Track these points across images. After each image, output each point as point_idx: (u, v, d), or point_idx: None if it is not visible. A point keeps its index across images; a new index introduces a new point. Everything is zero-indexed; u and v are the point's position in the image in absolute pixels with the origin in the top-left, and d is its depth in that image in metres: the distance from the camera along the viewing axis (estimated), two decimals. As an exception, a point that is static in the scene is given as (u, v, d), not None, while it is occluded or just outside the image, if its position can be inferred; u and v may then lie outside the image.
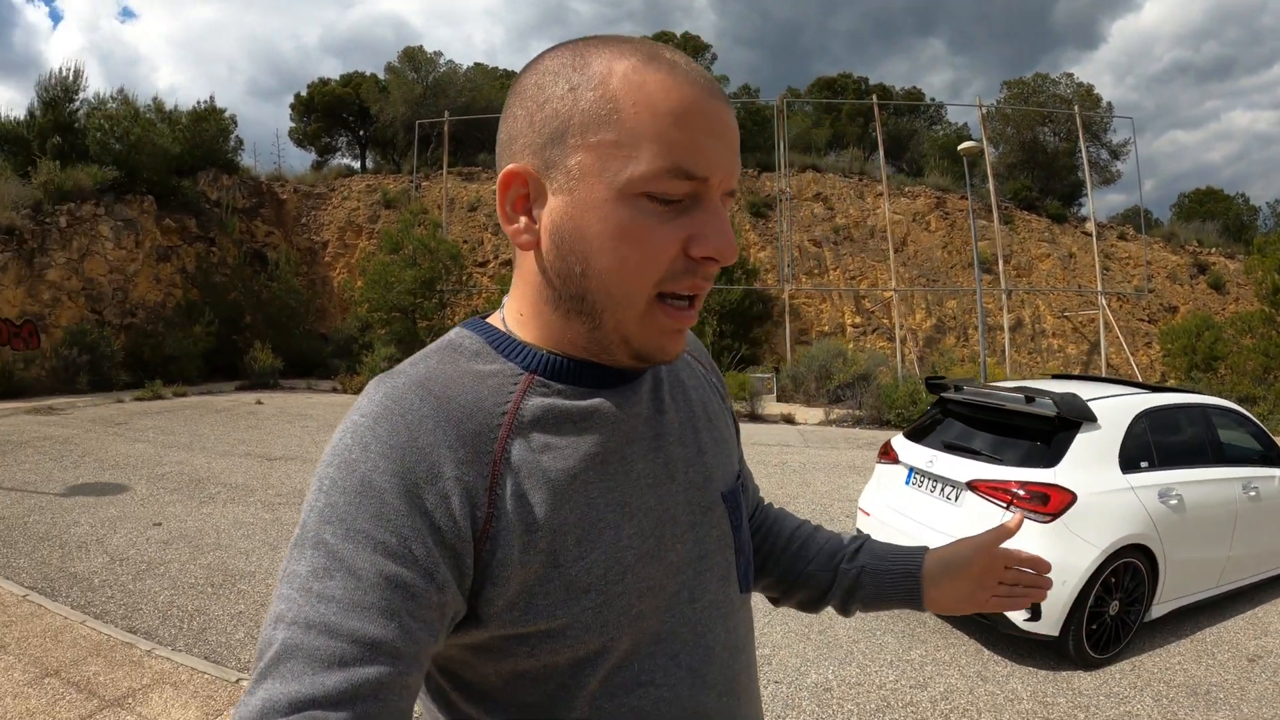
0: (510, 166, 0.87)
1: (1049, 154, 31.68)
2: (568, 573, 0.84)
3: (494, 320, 0.97)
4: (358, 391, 22.23)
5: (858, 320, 26.77)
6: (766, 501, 1.42)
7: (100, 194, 24.22)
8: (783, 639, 5.47)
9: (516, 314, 0.95)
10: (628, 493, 0.91)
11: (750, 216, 28.61)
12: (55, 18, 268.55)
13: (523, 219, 0.88)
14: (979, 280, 20.07)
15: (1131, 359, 24.63)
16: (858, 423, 17.15)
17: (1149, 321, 26.18)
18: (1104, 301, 25.24)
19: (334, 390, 23.67)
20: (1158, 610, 5.35)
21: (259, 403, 20.22)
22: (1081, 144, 27.92)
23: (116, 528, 7.96)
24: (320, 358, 27.36)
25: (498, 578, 0.81)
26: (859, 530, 6.36)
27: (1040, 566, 1.30)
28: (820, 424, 17.47)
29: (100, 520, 8.22)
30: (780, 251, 27.19)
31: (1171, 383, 22.09)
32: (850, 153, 30.47)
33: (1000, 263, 25.36)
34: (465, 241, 29.38)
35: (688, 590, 0.96)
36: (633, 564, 0.89)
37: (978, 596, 1.27)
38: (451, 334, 0.96)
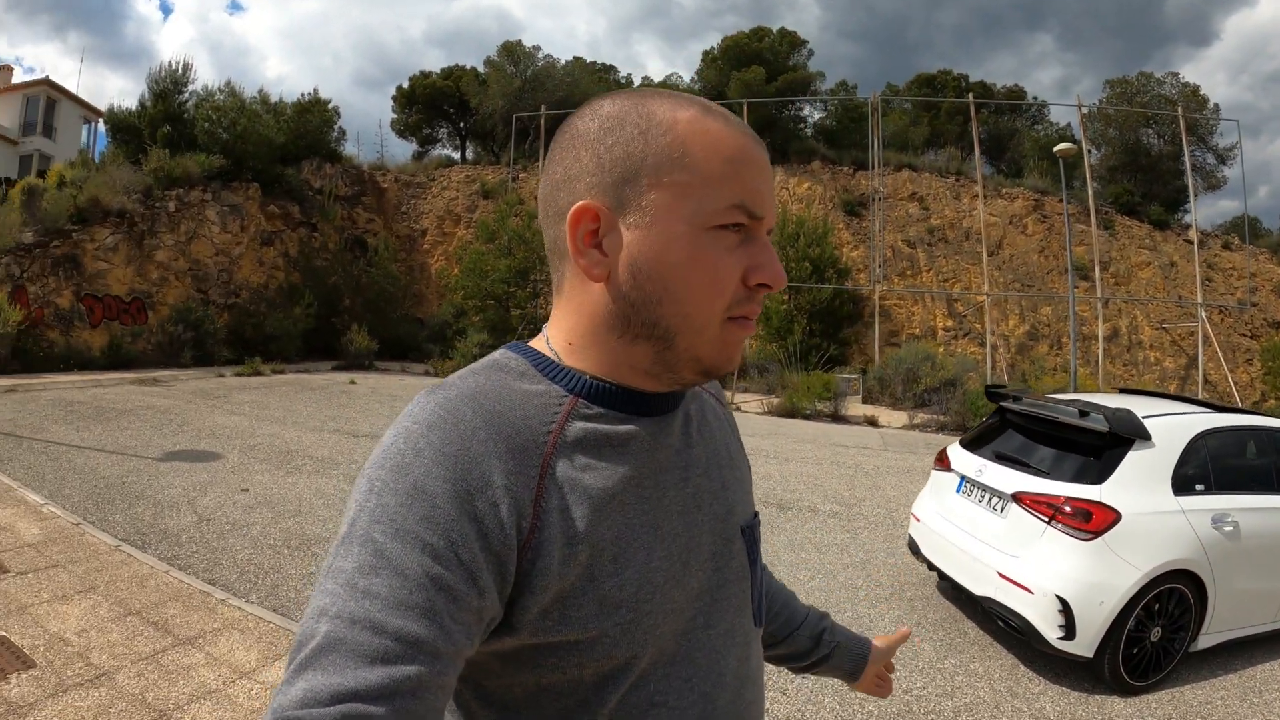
0: (582, 202, 0.92)
1: (1152, 157, 30.01)
2: (602, 587, 0.88)
3: (537, 345, 1.01)
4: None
5: (949, 324, 26.12)
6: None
7: (207, 181, 25.40)
8: None
9: (565, 342, 0.98)
10: (659, 518, 0.96)
11: (844, 215, 28.18)
12: (165, 10, 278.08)
13: (594, 252, 0.93)
14: (1072, 287, 19.49)
15: (1230, 376, 23.45)
16: (941, 429, 16.88)
17: (1251, 337, 24.84)
18: (1204, 314, 24.01)
19: (426, 374, 24.29)
20: (1205, 641, 5.09)
21: (352, 382, 20.91)
22: (1185, 147, 26.32)
23: (207, 491, 8.46)
24: (415, 342, 28.14)
25: (536, 587, 0.84)
26: (911, 537, 6.38)
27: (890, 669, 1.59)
28: (903, 428, 17.26)
29: (192, 484, 8.74)
30: (872, 251, 26.79)
31: (1271, 403, 21.28)
32: (948, 152, 29.56)
33: (1097, 269, 24.42)
34: (562, 234, 29.80)
35: (704, 616, 1.01)
36: (661, 585, 0.93)
37: (870, 681, 1.53)
38: (496, 354, 1.00)
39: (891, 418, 18.44)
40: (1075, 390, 17.58)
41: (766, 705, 4.50)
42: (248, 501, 8.15)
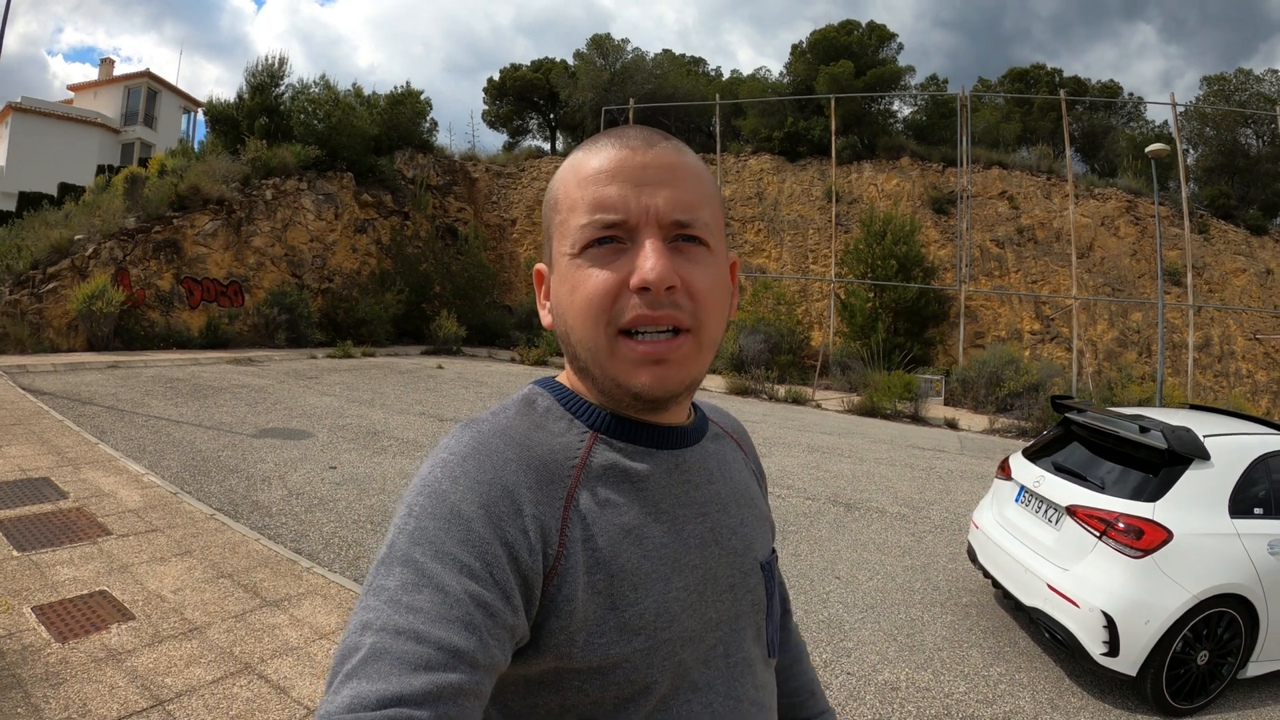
0: (537, 266, 1.10)
1: (1250, 158, 28.20)
2: (622, 615, 0.92)
3: (562, 379, 1.09)
4: (536, 363, 23.53)
5: (1036, 327, 25.39)
6: (794, 617, 1.53)
7: (303, 170, 26.26)
8: (870, 636, 5.56)
9: (570, 378, 1.08)
10: (678, 550, 1.00)
11: (932, 212, 27.68)
12: (259, 1, 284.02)
13: (546, 304, 1.06)
14: (1161, 293, 18.88)
15: (1326, 391, 22.50)
16: (1021, 434, 16.50)
17: (1351, 352, 23.72)
18: (1300, 326, 23.09)
19: (513, 360, 24.72)
20: (1255, 669, 4.95)
21: (440, 367, 21.40)
22: None
23: (297, 467, 8.85)
24: (503, 329, 28.63)
25: (561, 611, 0.88)
26: (970, 544, 6.38)
27: None
28: (983, 432, 17.01)
29: (283, 460, 9.15)
30: (960, 250, 26.40)
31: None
32: (1039, 149, 28.73)
33: (1190, 275, 23.37)
34: (649, 225, 29.90)
35: (723, 645, 1.04)
36: (679, 614, 0.97)
37: None
38: (526, 391, 1.07)
39: (972, 421, 18.18)
40: (1161, 402, 17.14)
41: None
42: (335, 478, 8.51)
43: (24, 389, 12.75)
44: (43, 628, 4.52)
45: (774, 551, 1.24)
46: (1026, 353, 23.79)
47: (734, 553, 1.09)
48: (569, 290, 0.97)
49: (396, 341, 26.99)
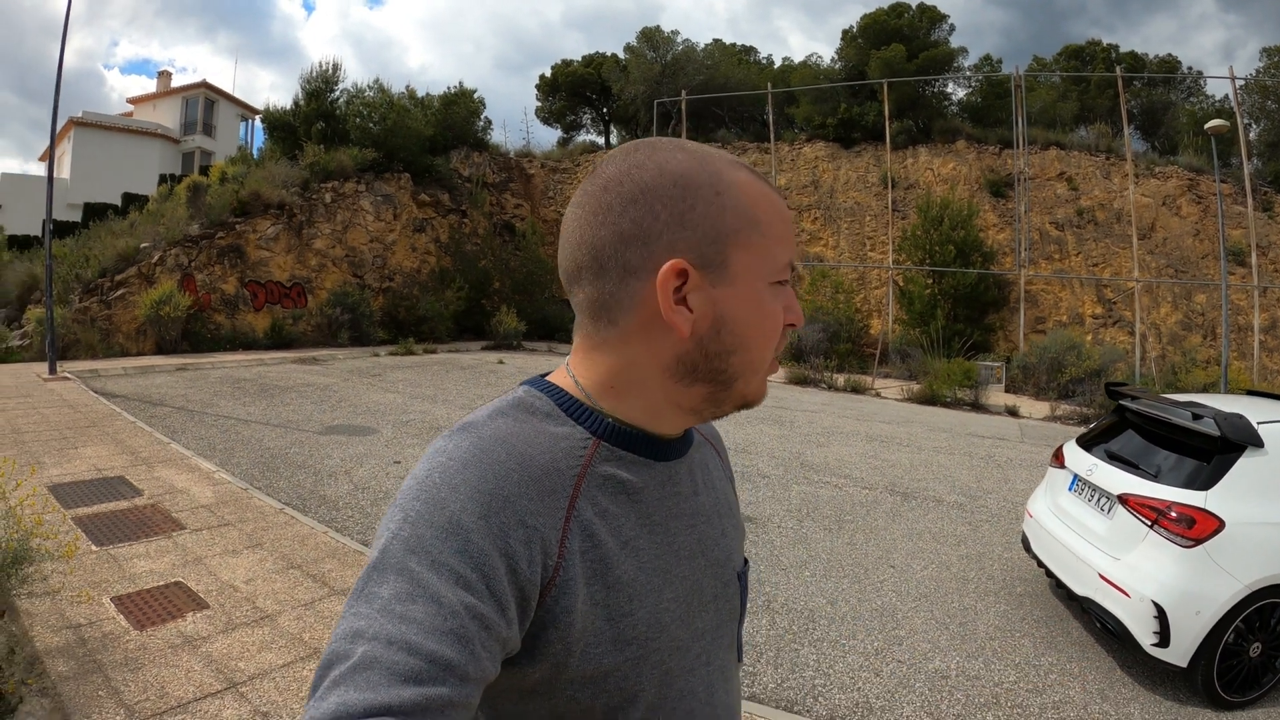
0: (673, 261, 0.94)
1: None
2: (618, 626, 0.94)
3: (560, 381, 1.06)
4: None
5: (1098, 311, 24.84)
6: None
7: (360, 173, 26.74)
8: (922, 625, 5.56)
9: (606, 384, 1.02)
10: (670, 561, 1.02)
11: (990, 196, 27.22)
12: (308, 8, 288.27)
13: (682, 309, 0.96)
14: (1225, 273, 18.35)
15: (1399, 370, 21.61)
16: (1083, 421, 16.11)
17: None
18: (1372, 303, 22.10)
19: (574, 353, 24.81)
20: None
21: (500, 362, 21.71)
22: None
23: (362, 462, 9.06)
24: (562, 322, 28.83)
25: (560, 623, 0.88)
26: (1024, 533, 6.35)
27: None
28: (1044, 419, 16.76)
29: (349, 456, 9.36)
30: (1018, 234, 25.95)
31: None
32: (1097, 128, 28.00)
33: (1254, 254, 22.55)
34: (704, 215, 29.87)
35: (706, 654, 1.07)
36: (669, 624, 1.00)
37: None
38: (520, 393, 1.04)
39: (1033, 408, 17.93)
40: (1226, 387, 16.74)
41: (863, 686, 4.69)
42: (399, 473, 8.72)
43: (96, 392, 13.18)
44: (121, 616, 4.71)
45: (746, 561, 1.26)
46: (1088, 337, 23.28)
47: (717, 563, 1.12)
48: (759, 313, 0.99)
49: (457, 338, 27.35)
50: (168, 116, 42.51)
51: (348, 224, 26.05)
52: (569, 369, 1.06)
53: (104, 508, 6.89)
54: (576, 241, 1.00)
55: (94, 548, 5.89)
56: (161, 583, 5.30)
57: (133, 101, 45.58)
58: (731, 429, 12.43)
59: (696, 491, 1.11)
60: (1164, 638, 4.53)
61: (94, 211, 27.25)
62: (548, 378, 1.08)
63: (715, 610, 1.10)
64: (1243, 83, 26.36)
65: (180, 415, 11.50)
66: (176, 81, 45.85)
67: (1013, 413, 17.22)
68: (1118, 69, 27.49)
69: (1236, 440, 4.82)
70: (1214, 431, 4.89)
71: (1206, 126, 17.71)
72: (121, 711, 3.72)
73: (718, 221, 0.97)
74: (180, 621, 4.71)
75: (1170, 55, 35.57)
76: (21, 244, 25.29)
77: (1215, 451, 4.91)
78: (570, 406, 1.01)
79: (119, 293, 19.41)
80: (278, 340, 22.32)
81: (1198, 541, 4.56)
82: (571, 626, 0.89)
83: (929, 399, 18.11)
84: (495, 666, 0.81)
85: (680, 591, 1.03)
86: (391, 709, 0.70)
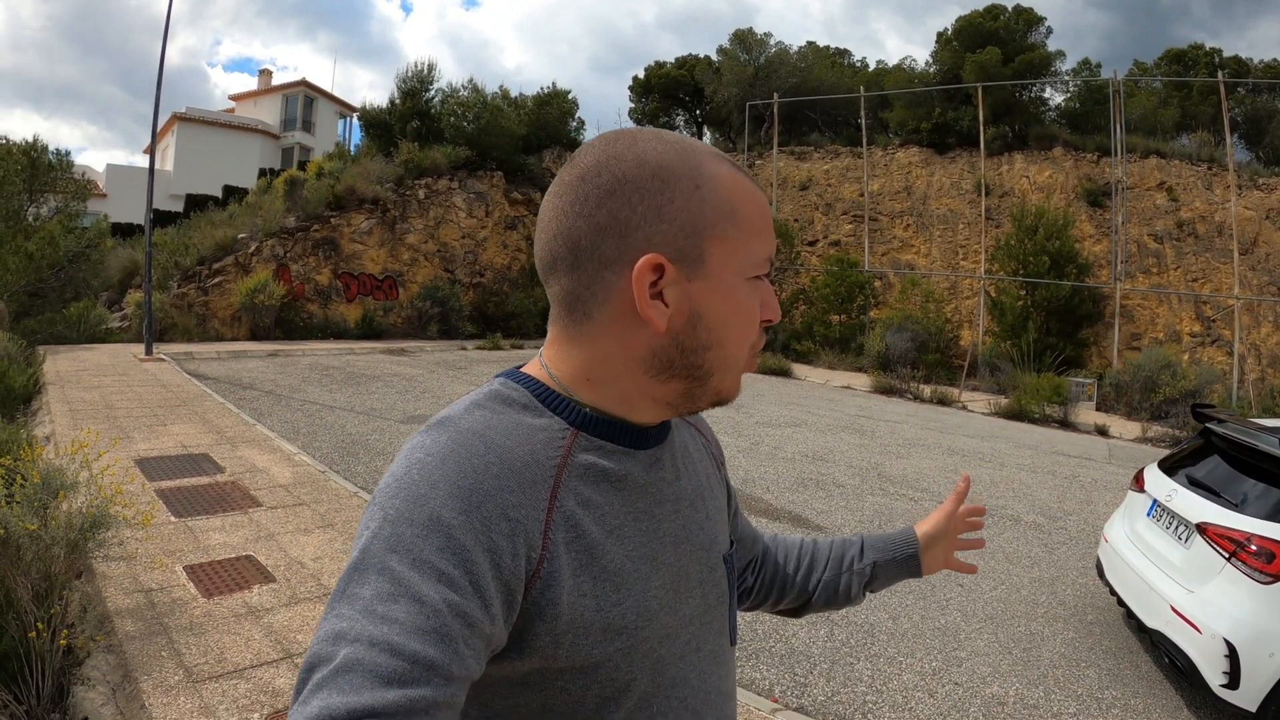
0: (650, 255, 0.93)
1: None
2: (607, 615, 0.93)
3: (533, 373, 1.04)
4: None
5: (1196, 328, 23.78)
6: (767, 536, 1.55)
7: (454, 170, 27.21)
8: (984, 647, 5.39)
9: (582, 377, 1.00)
10: (655, 548, 1.01)
11: (1086, 205, 26.34)
12: (406, 9, 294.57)
13: (658, 303, 0.95)
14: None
15: None
16: (1175, 443, 15.29)
17: None
18: None
19: (655, 346, 24.97)
20: None
21: (583, 356, 21.64)
22: None
23: (438, 453, 9.12)
24: (646, 318, 28.94)
25: (547, 615, 0.88)
26: (1099, 559, 6.11)
27: (978, 510, 1.57)
28: (1134, 440, 16.19)
29: (426, 445, 9.43)
30: (1115, 246, 25.18)
31: None
32: (1199, 136, 26.99)
33: None
34: (795, 220, 29.69)
35: (695, 640, 1.06)
36: (657, 612, 0.99)
37: (948, 555, 1.54)
38: (496, 385, 1.02)
39: (1124, 428, 17.36)
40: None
41: (915, 706, 4.65)
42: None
43: (189, 374, 13.66)
44: (191, 584, 4.87)
45: (733, 543, 1.25)
46: (1185, 356, 22.29)
47: (702, 548, 1.10)
48: (734, 309, 0.98)
49: (544, 334, 27.37)
50: (268, 113, 43.87)
51: (440, 220, 26.54)
52: (543, 361, 1.04)
53: (186, 482, 7.11)
54: (553, 232, 0.98)
55: (172, 519, 6.10)
56: (233, 555, 5.47)
57: (234, 98, 47.24)
58: (812, 436, 12.35)
59: (679, 476, 1.10)
60: (1234, 679, 4.27)
61: (195, 203, 28.23)
62: (522, 369, 1.06)
63: (702, 595, 1.09)
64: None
65: (268, 399, 11.83)
66: (277, 80, 47.42)
67: (1102, 432, 16.70)
68: (1221, 74, 26.48)
69: None
70: None
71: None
72: (181, 672, 3.85)
73: (696, 215, 0.96)
74: (246, 593, 4.84)
75: (1277, 60, 34.04)
76: (125, 231, 26.25)
77: None
78: (547, 397, 1.00)
79: (216, 280, 20.17)
80: (368, 331, 22.84)
81: (1277, 578, 4.31)
82: (558, 618, 0.88)
83: (1016, 414, 17.66)
84: (480, 664, 0.81)
85: (667, 578, 1.02)
86: (375, 712, 0.69)
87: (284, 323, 20.97)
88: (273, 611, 4.59)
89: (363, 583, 0.78)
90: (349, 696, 0.69)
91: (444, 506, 0.82)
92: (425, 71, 29.27)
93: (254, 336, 20.08)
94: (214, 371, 14.42)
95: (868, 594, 1.51)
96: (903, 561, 1.49)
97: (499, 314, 26.79)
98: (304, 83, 44.60)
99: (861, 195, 29.70)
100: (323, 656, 0.73)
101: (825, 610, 1.52)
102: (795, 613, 1.53)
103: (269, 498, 6.89)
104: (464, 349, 22.23)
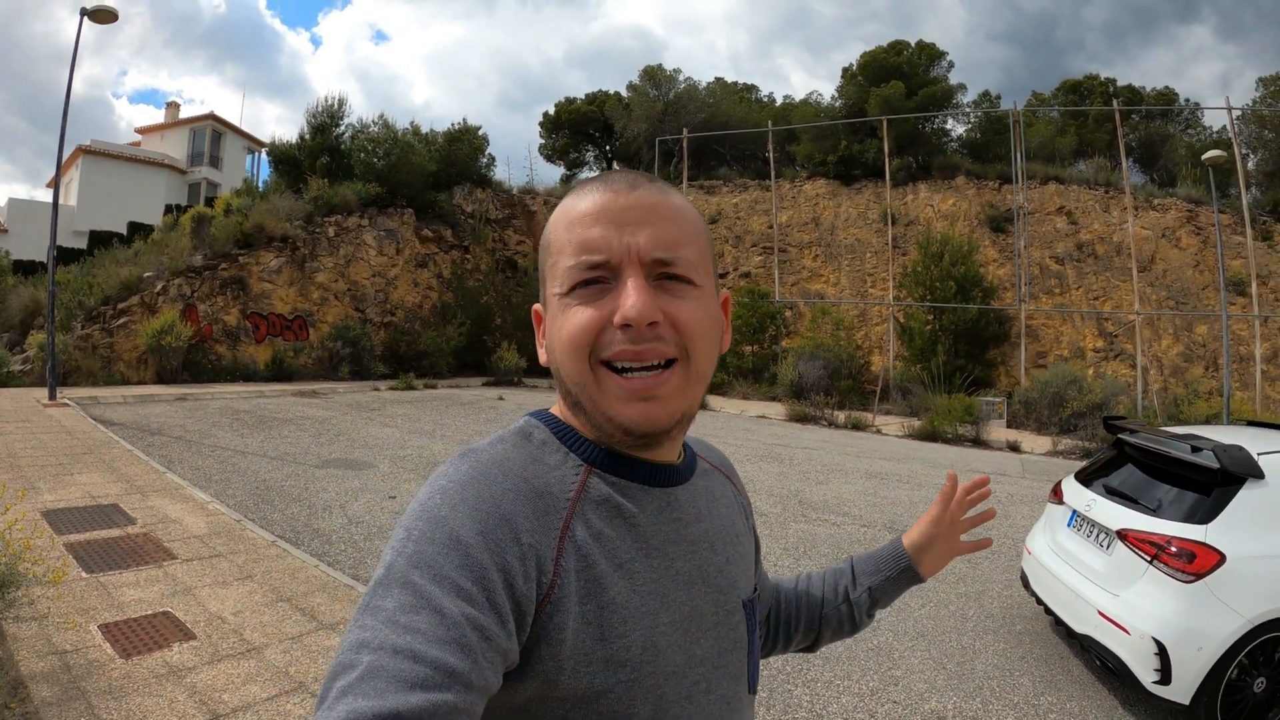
0: (534, 307, 1.13)
1: None
2: (610, 647, 0.93)
3: (556, 413, 1.10)
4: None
5: (1099, 344, 24.92)
6: (773, 579, 1.57)
7: (364, 207, 27.02)
8: (919, 665, 5.45)
9: (563, 411, 1.09)
10: (667, 586, 1.02)
11: (989, 231, 27.42)
12: (316, 42, 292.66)
13: (543, 343, 1.09)
14: (1225, 304, 18.49)
15: (1401, 397, 21.53)
16: (1085, 455, 15.95)
17: None
18: (1376, 332, 22.10)
19: (574, 390, 24.86)
20: None
21: (500, 398, 21.68)
22: None
23: (357, 497, 9.03)
24: (565, 360, 28.81)
25: (553, 639, 0.90)
26: (1023, 570, 6.29)
27: (980, 482, 1.57)
28: (1046, 454, 16.74)
29: (344, 490, 9.33)
30: (1018, 269, 26.02)
31: None
32: (1096, 162, 28.20)
33: (1254, 284, 22.70)
34: (705, 252, 29.97)
35: (705, 682, 1.05)
36: (664, 649, 0.99)
37: (951, 549, 1.54)
38: (523, 423, 1.09)
39: (1035, 443, 17.92)
40: (1229, 418, 16.71)
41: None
42: (394, 508, 8.67)
43: (95, 419, 13.19)
44: (108, 644, 4.69)
45: (756, 589, 1.26)
46: (1090, 371, 23.29)
47: (719, 590, 1.11)
48: (558, 328, 1.01)
49: (458, 373, 27.40)
50: (175, 147, 42.88)
51: (350, 258, 26.20)
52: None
53: (96, 535, 6.86)
54: None
55: (84, 574, 5.86)
56: (150, 611, 5.26)
57: (141, 131, 46.00)
58: (730, 463, 12.39)
59: (699, 518, 1.12)
60: (1165, 675, 4.45)
61: (99, 239, 27.45)
62: (550, 410, 1.12)
63: (716, 638, 1.09)
64: (1240, 113, 26.56)
65: (177, 445, 11.50)
66: (185, 113, 46.32)
67: (1014, 448, 17.18)
68: (1115, 102, 27.73)
69: (1236, 472, 4.76)
70: (1213, 464, 4.83)
71: (1204, 157, 17.89)
72: (102, 740, 3.70)
73: (540, 263, 1.09)
74: (166, 651, 4.67)
75: (1168, 88, 35.71)
76: (26, 269, 25.38)
77: (1215, 484, 4.84)
78: (565, 435, 1.05)
79: (121, 321, 19.55)
80: (278, 372, 22.38)
81: (1198, 576, 4.49)
82: (563, 644, 0.90)
83: (930, 435, 18.06)
84: (497, 677, 0.83)
85: (678, 617, 1.02)
86: (400, 715, 0.70)
87: (192, 365, 20.37)
88: (195, 670, 4.44)
89: (386, 596, 0.82)
90: (374, 701, 0.71)
91: (462, 526, 0.87)
92: (336, 106, 29.03)
93: (161, 379, 19.49)
94: (121, 417, 13.95)
95: (876, 613, 1.53)
96: (898, 577, 1.51)
97: (411, 354, 26.46)
98: (212, 116, 43.72)
99: (770, 227, 30.25)
100: (347, 664, 0.76)
101: (836, 640, 1.55)
102: (808, 649, 1.56)
103: (184, 549, 6.67)
104: (377, 390, 21.91)
